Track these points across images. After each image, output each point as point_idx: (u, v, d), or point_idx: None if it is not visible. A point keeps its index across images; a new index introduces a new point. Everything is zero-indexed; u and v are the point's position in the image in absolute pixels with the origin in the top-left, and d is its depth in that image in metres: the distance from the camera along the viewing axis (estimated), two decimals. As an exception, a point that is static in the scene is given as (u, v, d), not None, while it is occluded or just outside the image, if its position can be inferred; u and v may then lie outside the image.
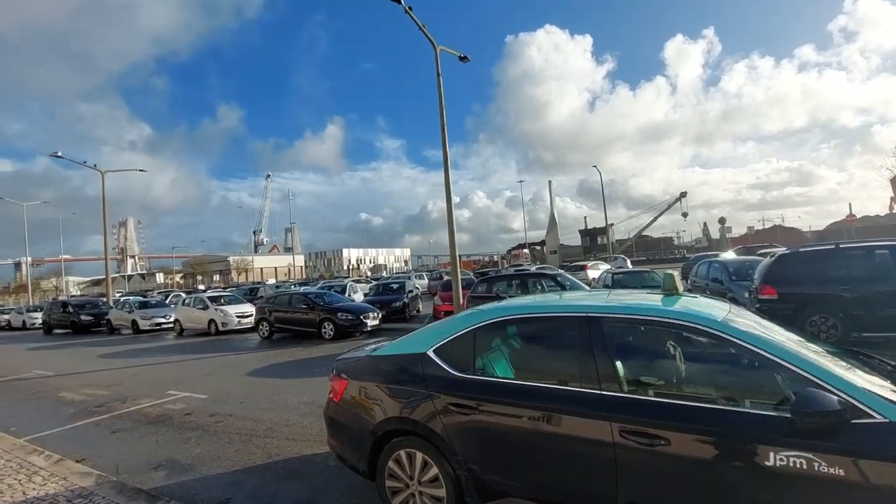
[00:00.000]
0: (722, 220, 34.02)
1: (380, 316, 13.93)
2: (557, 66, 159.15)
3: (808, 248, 8.60)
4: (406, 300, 16.80)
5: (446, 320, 3.61)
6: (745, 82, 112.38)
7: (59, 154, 24.85)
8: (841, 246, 8.17)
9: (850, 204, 43.96)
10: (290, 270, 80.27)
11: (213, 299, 18.07)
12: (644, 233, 53.96)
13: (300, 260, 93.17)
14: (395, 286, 18.44)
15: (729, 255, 23.83)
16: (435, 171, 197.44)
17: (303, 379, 8.23)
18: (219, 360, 11.37)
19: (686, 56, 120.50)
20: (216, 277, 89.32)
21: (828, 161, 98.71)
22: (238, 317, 16.85)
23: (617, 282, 13.02)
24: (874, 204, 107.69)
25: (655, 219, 45.79)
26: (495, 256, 76.18)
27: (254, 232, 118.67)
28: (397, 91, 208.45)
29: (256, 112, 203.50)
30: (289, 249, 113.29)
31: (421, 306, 19.29)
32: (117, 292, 45.49)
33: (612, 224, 45.06)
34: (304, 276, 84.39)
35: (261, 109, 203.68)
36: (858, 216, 44.63)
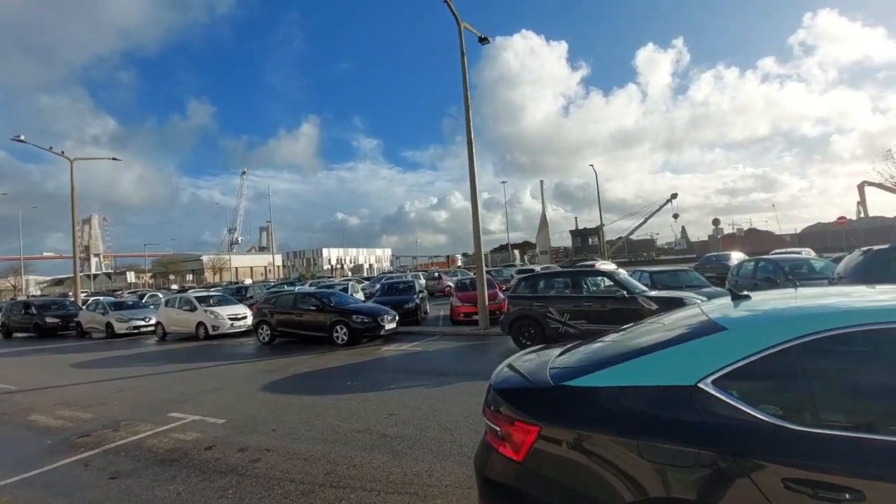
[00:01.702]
0: (716, 222, 34.16)
1: (396, 318, 12.56)
2: (533, 71, 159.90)
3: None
4: (418, 301, 15.46)
5: (695, 326, 2.35)
6: (712, 91, 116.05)
7: (22, 138, 22.41)
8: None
9: (859, 204, 44.40)
10: (268, 270, 77.47)
11: (202, 300, 16.28)
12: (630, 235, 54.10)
13: (278, 259, 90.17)
14: (403, 286, 17.06)
15: (738, 255, 23.38)
16: (412, 171, 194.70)
17: (338, 396, 6.82)
18: (220, 370, 9.79)
19: (656, 64, 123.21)
20: (189, 277, 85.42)
21: (790, 168, 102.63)
22: (231, 319, 15.15)
23: (657, 280, 12.02)
24: (833, 209, 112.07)
25: (646, 220, 45.62)
26: (460, 258, 75.84)
27: (228, 230, 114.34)
28: (374, 90, 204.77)
29: (228, 109, 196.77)
30: (264, 248, 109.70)
31: (428, 307, 17.93)
32: (82, 292, 42.40)
33: (604, 224, 44.63)
34: (282, 276, 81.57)
35: (233, 106, 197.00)
36: (817, 221, 45.80)
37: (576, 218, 60.02)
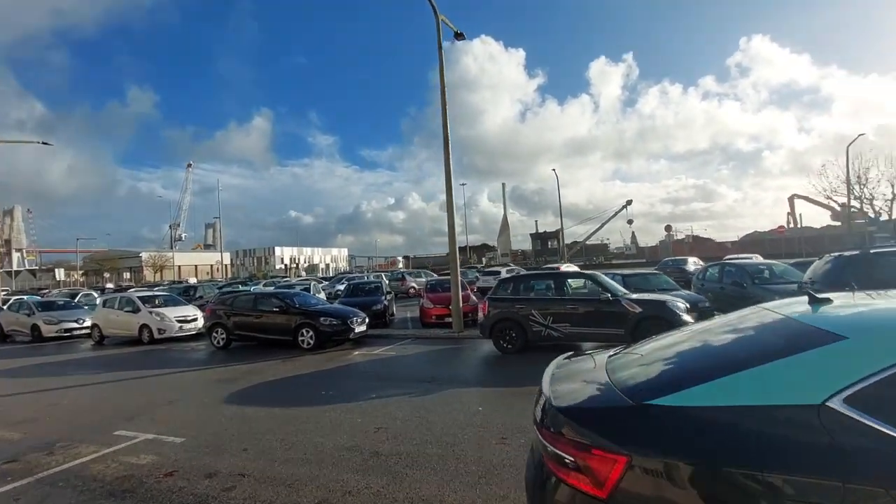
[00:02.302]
0: (668, 228, 35.74)
1: (366, 321, 11.93)
2: (492, 76, 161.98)
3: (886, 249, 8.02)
4: (386, 302, 14.87)
5: (797, 334, 2.04)
6: (658, 105, 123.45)
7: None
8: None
9: (789, 214, 48.38)
10: (215, 269, 73.62)
11: (146, 300, 14.86)
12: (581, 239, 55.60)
13: (226, 258, 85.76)
14: (370, 286, 16.39)
15: (694, 259, 24.39)
16: (370, 170, 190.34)
17: (315, 408, 6.19)
18: (172, 379, 8.82)
19: (608, 77, 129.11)
20: (126, 275, 79.56)
21: (727, 181, 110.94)
22: (180, 322, 13.91)
23: (630, 283, 12.09)
24: (764, 220, 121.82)
25: (603, 225, 47.19)
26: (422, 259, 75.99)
27: (171, 226, 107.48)
28: (332, 87, 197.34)
29: (173, 98, 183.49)
30: (210, 246, 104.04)
31: (395, 309, 17.33)
32: (2, 291, 38.22)
33: (562, 229, 45.55)
34: (230, 275, 77.60)
35: (178, 95, 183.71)
36: (752, 231, 49.47)
37: (536, 221, 61.39)
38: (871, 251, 8.11)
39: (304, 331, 10.98)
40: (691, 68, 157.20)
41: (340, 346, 11.05)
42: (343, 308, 12.06)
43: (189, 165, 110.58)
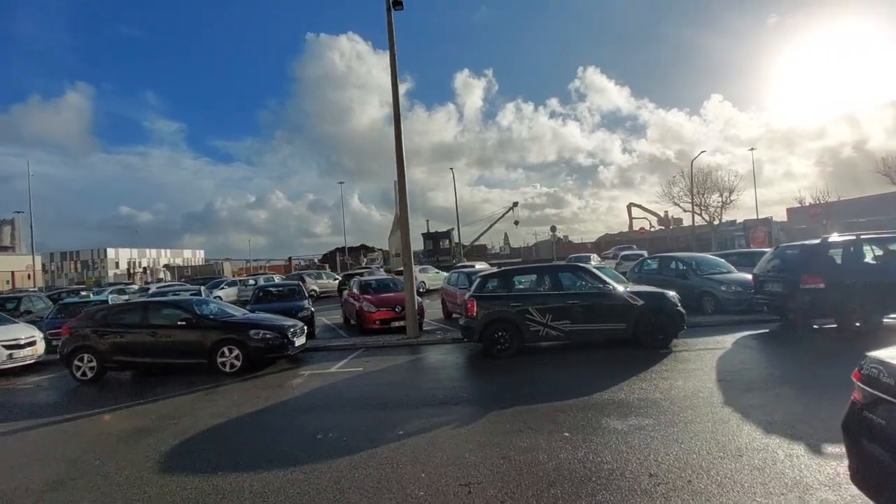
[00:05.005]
0: (553, 229, 38.21)
1: (306, 331, 9.61)
2: (360, 76, 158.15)
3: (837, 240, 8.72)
4: (312, 308, 12.47)
5: None
6: (514, 120, 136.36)
7: None
8: (863, 237, 8.51)
9: (631, 219, 56.53)
10: (27, 275, 58.43)
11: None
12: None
13: (38, 262, 68.24)
14: (285, 290, 13.68)
15: (595, 256, 26.08)
16: (224, 164, 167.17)
17: (327, 464, 4.18)
18: (38, 438, 5.69)
19: (471, 89, 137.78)
20: None
21: (572, 190, 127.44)
22: (8, 347, 9.70)
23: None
24: (601, 225, 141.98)
25: (491, 226, 48.76)
26: (302, 262, 71.36)
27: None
28: (174, 66, 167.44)
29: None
30: (7, 248, 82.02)
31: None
32: None
33: (452, 229, 45.93)
34: (42, 284, 61.86)
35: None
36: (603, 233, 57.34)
37: (427, 221, 60.66)
38: (831, 239, 8.78)
39: (225, 349, 8.29)
40: (541, 89, 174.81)
41: (275, 368, 8.62)
42: (276, 318, 9.49)
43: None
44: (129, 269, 64.91)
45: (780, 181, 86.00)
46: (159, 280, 49.39)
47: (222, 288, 24.12)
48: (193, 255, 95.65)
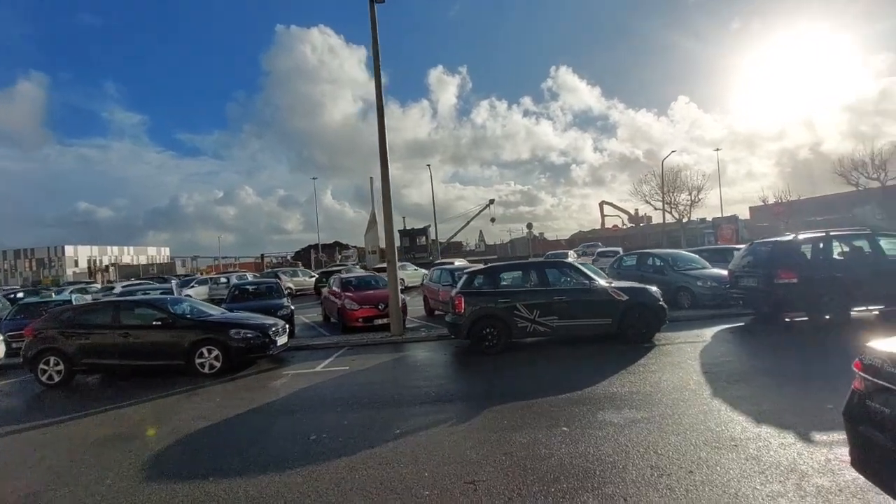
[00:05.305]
0: (529, 226, 38.67)
1: (287, 330, 9.38)
2: (332, 70, 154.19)
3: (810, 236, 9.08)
4: (291, 306, 12.19)
5: None
6: (488, 117, 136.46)
7: None
8: (832, 233, 8.90)
9: (603, 216, 58.02)
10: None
11: None
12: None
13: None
14: (264, 287, 13.33)
15: (572, 252, 26.45)
16: (190, 158, 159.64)
17: (325, 466, 4.07)
18: (9, 446, 5.32)
19: (445, 86, 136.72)
20: None
21: (545, 188, 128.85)
22: (-36, 351, 9.10)
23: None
24: (573, 222, 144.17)
25: (468, 223, 48.91)
26: (274, 259, 69.84)
27: None
28: (134, 56, 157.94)
29: None
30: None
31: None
32: None
33: (429, 226, 45.84)
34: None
35: None
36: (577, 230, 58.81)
37: (404, 218, 60.16)
38: (802, 236, 9.15)
39: (204, 350, 7.99)
40: (514, 88, 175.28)
41: (256, 367, 8.39)
42: (257, 317, 9.22)
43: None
44: (90, 268, 61.96)
45: (742, 181, 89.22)
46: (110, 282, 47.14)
47: (192, 286, 23.30)
48: (158, 253, 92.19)
